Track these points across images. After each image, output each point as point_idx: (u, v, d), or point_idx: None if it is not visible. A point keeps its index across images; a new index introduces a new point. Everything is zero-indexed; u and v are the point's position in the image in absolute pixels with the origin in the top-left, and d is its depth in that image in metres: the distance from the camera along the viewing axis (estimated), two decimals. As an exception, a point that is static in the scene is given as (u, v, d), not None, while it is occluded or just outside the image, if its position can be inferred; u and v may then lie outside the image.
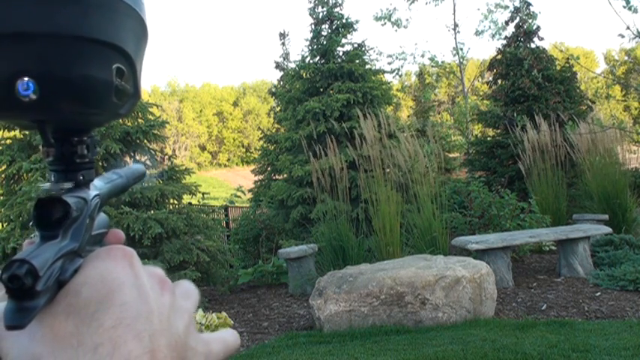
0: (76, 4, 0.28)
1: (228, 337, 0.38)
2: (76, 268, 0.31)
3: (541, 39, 12.10)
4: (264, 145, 14.19)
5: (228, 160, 59.66)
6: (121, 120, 6.34)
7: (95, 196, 0.35)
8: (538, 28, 12.09)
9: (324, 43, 9.89)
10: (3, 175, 5.98)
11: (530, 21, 12.08)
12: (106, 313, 0.29)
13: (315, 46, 10.01)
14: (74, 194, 0.33)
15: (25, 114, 0.29)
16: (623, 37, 7.24)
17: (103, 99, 0.31)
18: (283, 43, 19.60)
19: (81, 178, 0.34)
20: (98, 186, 0.37)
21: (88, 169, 0.35)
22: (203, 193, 7.01)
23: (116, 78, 0.31)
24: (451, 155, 14.92)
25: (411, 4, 18.00)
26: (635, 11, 5.96)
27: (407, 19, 19.18)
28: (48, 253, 0.29)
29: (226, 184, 39.12)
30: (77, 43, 0.28)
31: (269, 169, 13.59)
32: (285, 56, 19.35)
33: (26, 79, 0.27)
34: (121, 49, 0.30)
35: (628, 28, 6.21)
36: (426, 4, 18.74)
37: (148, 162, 6.51)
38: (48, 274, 0.28)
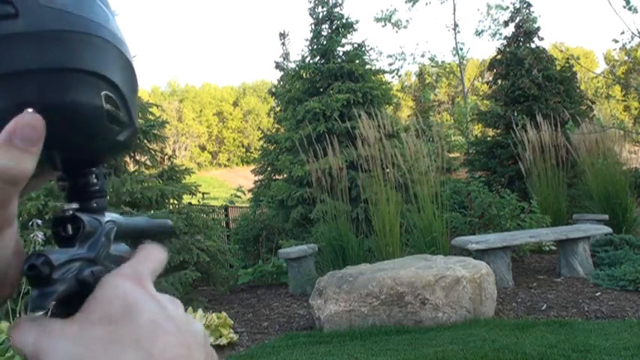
0: (63, 43, 0.32)
1: None
2: (94, 271, 0.34)
3: (541, 39, 12.10)
4: (264, 145, 14.20)
5: (228, 160, 59.63)
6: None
7: (109, 221, 0.38)
8: (538, 28, 12.09)
9: (324, 43, 9.89)
10: (3, 175, 5.98)
11: (530, 22, 12.07)
12: (140, 317, 0.32)
13: (315, 46, 10.00)
14: (89, 215, 0.37)
15: None
16: (617, 42, 7.16)
17: (96, 122, 0.34)
18: (283, 43, 19.59)
19: (95, 205, 0.38)
20: (115, 217, 0.40)
21: (100, 198, 0.38)
22: (203, 193, 7.00)
23: (106, 103, 0.34)
24: (451, 155, 14.91)
25: (413, 4, 18.00)
26: (635, 11, 5.95)
27: (407, 20, 19.15)
28: (63, 253, 0.33)
29: (226, 184, 39.10)
30: (67, 74, 0.32)
31: (269, 169, 13.60)
32: (285, 56, 19.34)
33: (28, 109, 0.31)
34: (107, 78, 0.34)
35: (623, 33, 6.20)
36: (427, 4, 18.75)
37: (148, 162, 6.51)
38: (64, 268, 0.32)
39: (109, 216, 0.39)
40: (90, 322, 0.32)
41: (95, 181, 0.38)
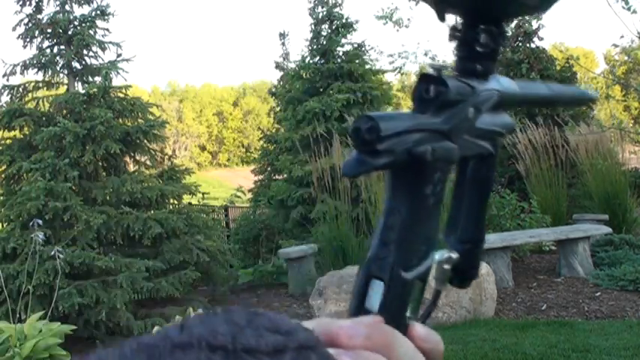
0: None
1: None
2: (435, 148, 0.29)
3: (541, 39, 12.09)
4: (264, 145, 14.18)
5: (228, 160, 59.59)
6: (120, 120, 6.34)
7: (491, 90, 0.34)
8: (539, 27, 12.06)
9: (324, 43, 9.89)
10: (3, 175, 5.98)
11: (530, 22, 12.05)
12: None
13: (315, 46, 10.00)
14: (462, 79, 0.32)
15: None
16: (617, 46, 7.17)
17: None
18: (283, 43, 19.54)
19: (478, 68, 0.33)
20: (505, 85, 0.35)
21: (487, 61, 0.34)
22: (203, 193, 7.01)
23: None
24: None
25: (417, 4, 17.94)
26: (635, 12, 5.95)
27: (408, 19, 19.11)
28: (402, 122, 0.29)
29: (226, 184, 39.04)
30: None
31: (269, 169, 13.58)
32: (285, 56, 19.29)
33: None
34: None
35: (622, 37, 6.20)
36: (427, 3, 18.72)
37: (148, 162, 6.51)
38: (395, 139, 0.28)
39: (495, 82, 0.34)
40: None
41: (486, 41, 0.33)
